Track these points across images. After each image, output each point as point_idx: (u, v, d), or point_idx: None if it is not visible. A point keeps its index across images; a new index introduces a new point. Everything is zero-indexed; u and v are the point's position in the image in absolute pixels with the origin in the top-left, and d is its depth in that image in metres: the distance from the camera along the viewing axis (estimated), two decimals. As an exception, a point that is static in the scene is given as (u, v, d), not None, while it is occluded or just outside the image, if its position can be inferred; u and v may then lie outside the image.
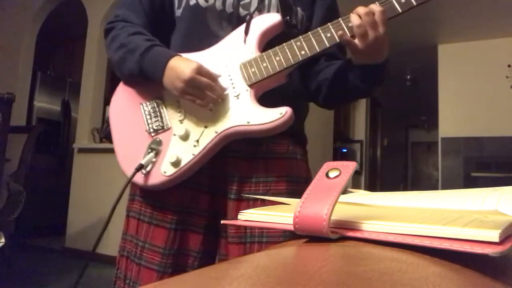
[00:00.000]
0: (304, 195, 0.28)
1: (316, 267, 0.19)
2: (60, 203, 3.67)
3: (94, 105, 3.62)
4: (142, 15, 0.85)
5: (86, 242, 3.34)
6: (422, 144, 8.63)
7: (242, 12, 0.80)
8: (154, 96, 0.79)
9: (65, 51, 5.09)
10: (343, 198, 0.37)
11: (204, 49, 0.79)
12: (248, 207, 0.73)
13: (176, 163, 0.74)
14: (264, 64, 0.73)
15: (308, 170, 0.86)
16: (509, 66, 4.22)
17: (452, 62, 4.58)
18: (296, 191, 0.78)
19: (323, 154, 4.10)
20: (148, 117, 0.78)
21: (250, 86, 0.74)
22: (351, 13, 0.72)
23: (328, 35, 0.73)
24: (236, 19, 0.80)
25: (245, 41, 0.77)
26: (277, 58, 0.73)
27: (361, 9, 0.71)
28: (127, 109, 0.82)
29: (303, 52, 0.73)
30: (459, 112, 4.51)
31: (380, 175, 6.86)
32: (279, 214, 0.32)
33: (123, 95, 0.84)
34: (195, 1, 0.81)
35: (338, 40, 0.72)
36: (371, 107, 6.05)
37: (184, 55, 0.78)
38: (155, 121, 0.78)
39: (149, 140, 0.77)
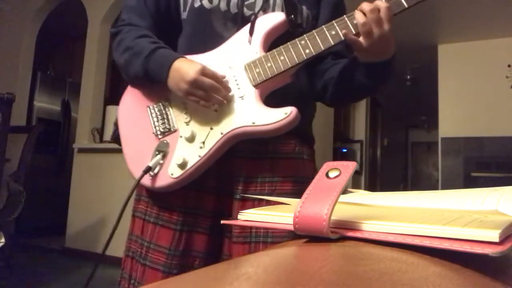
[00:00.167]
0: (304, 195, 0.28)
1: (316, 267, 0.19)
2: (60, 203, 3.67)
3: (94, 105, 3.62)
4: (148, 19, 0.86)
5: (86, 242, 3.34)
6: (422, 144, 8.63)
7: (247, 12, 0.80)
8: (160, 98, 0.80)
9: (65, 51, 5.09)
10: (343, 198, 0.37)
11: (210, 51, 0.80)
12: (253, 207, 0.73)
13: (182, 165, 0.74)
14: (269, 64, 0.73)
15: (314, 171, 0.86)
16: (509, 66, 4.22)
17: (452, 62, 4.58)
18: (302, 191, 0.77)
19: (323, 154, 4.10)
20: (155, 119, 0.79)
21: (255, 86, 0.74)
22: (355, 10, 0.71)
23: (333, 32, 0.71)
24: (240, 19, 0.80)
25: (249, 41, 0.76)
26: (282, 58, 0.73)
27: (366, 6, 0.69)
28: (134, 112, 0.83)
29: (307, 51, 0.72)
30: (459, 112, 4.51)
31: (380, 175, 6.86)
32: (279, 214, 0.32)
33: (131, 98, 0.85)
34: (199, 3, 0.81)
35: (342, 38, 0.71)
36: (371, 107, 6.05)
37: (189, 56, 0.78)
38: (161, 124, 0.78)
39: (156, 143, 0.78)
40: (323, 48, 0.72)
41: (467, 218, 0.25)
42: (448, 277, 0.19)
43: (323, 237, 0.26)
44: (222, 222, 0.35)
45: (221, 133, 0.73)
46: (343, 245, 0.25)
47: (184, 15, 0.85)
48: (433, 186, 7.24)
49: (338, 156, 5.02)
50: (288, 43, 0.73)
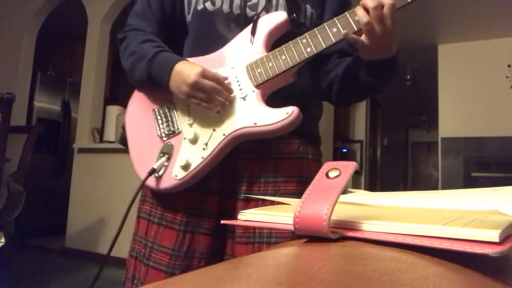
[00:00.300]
0: (304, 195, 0.28)
1: (316, 267, 0.19)
2: (60, 203, 3.67)
3: (94, 105, 3.62)
4: (154, 23, 0.87)
5: (86, 242, 3.34)
6: (422, 144, 8.63)
7: (250, 13, 0.80)
8: (165, 101, 0.81)
9: (65, 51, 5.09)
10: (343, 198, 0.37)
11: (213, 52, 0.80)
12: (256, 207, 0.73)
13: (186, 167, 0.74)
14: (270, 64, 0.73)
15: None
16: (509, 66, 4.23)
17: (452, 62, 4.58)
18: None
19: (323, 154, 4.10)
20: (159, 122, 0.81)
21: (257, 86, 0.74)
22: (358, 6, 0.69)
23: (334, 30, 0.70)
24: (243, 20, 0.80)
25: (251, 42, 0.76)
26: (283, 57, 0.72)
27: (369, 2, 0.67)
28: (140, 115, 0.84)
29: (309, 50, 0.71)
30: (459, 112, 4.51)
31: (380, 175, 6.86)
32: (279, 214, 0.32)
33: (137, 101, 0.86)
34: (202, 6, 0.82)
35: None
36: (371, 107, 6.05)
37: (192, 59, 0.79)
38: (166, 126, 0.80)
39: (161, 145, 0.79)
40: (324, 46, 0.70)
41: (467, 218, 0.25)
42: (448, 277, 0.19)
43: (323, 237, 0.26)
44: (222, 222, 0.35)
45: (224, 134, 0.73)
46: (343, 245, 0.25)
47: (188, 18, 0.86)
48: (433, 186, 7.24)
49: (338, 156, 5.02)
50: (290, 42, 0.72)
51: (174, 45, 0.84)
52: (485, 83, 4.38)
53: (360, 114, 5.83)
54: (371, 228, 0.26)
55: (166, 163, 0.77)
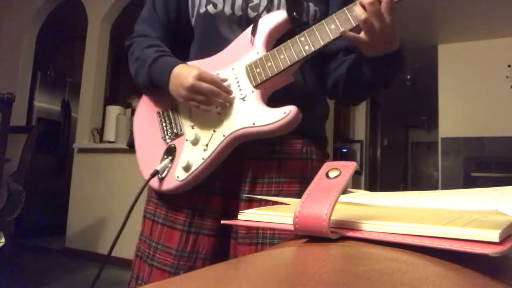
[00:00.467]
0: (304, 195, 0.28)
1: (316, 267, 0.19)
2: (60, 203, 3.67)
3: (94, 105, 3.62)
4: (159, 28, 0.89)
5: (86, 242, 3.34)
6: (422, 144, 8.63)
7: (251, 13, 0.80)
8: (169, 104, 0.82)
9: (65, 51, 5.10)
10: (343, 198, 0.37)
11: (216, 54, 0.80)
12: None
13: (187, 168, 0.75)
14: (269, 64, 0.72)
15: None
16: (509, 66, 4.23)
17: (452, 62, 4.58)
18: None
19: (323, 154, 4.10)
20: (163, 124, 0.82)
21: (256, 87, 0.73)
22: (356, 2, 0.67)
23: (333, 27, 0.68)
24: (245, 21, 0.80)
25: (251, 42, 0.76)
26: (281, 56, 0.71)
27: None
28: (146, 118, 0.86)
29: (307, 48, 0.69)
30: (459, 112, 4.51)
31: (380, 175, 6.86)
32: (279, 214, 0.32)
33: (144, 105, 0.88)
34: (204, 9, 0.83)
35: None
36: (371, 107, 6.05)
37: (195, 62, 0.81)
38: (169, 128, 0.81)
39: (165, 147, 0.80)
40: (322, 44, 0.69)
41: (467, 218, 0.25)
42: (448, 277, 0.19)
43: (323, 237, 0.26)
44: (222, 222, 0.35)
45: (223, 135, 0.74)
46: (343, 245, 0.25)
47: (192, 21, 0.87)
48: (433, 186, 7.24)
49: (338, 156, 5.02)
50: (289, 40, 0.71)
51: (182, 49, 0.86)
52: (485, 83, 4.38)
53: (360, 114, 5.83)
54: (371, 228, 0.26)
55: (169, 165, 0.78)
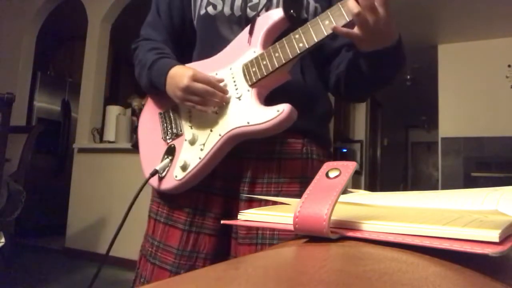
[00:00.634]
0: (304, 195, 0.28)
1: (316, 267, 0.19)
2: (60, 203, 3.67)
3: (94, 105, 3.62)
4: (163, 32, 0.90)
5: (86, 242, 3.34)
6: (422, 144, 8.63)
7: (250, 13, 0.80)
8: (170, 105, 0.83)
9: (65, 51, 5.10)
10: (343, 198, 0.37)
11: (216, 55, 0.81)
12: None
13: (184, 167, 0.76)
14: (264, 62, 0.72)
15: None
16: (509, 66, 4.23)
17: (452, 62, 4.58)
18: None
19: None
20: (164, 125, 0.84)
21: (251, 86, 0.73)
22: None
23: (327, 22, 0.66)
24: (245, 21, 0.80)
25: (249, 42, 0.76)
26: (276, 55, 0.70)
27: None
28: (149, 119, 0.88)
29: (301, 45, 0.68)
30: (459, 112, 4.51)
31: (380, 175, 6.86)
32: (279, 214, 0.32)
33: (148, 106, 0.90)
34: (204, 11, 0.83)
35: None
36: (371, 107, 6.05)
37: (195, 63, 0.82)
38: (170, 129, 0.82)
39: (165, 147, 0.81)
40: (316, 40, 0.67)
41: (467, 218, 0.25)
42: (448, 277, 0.19)
43: (323, 237, 0.26)
44: (222, 222, 0.35)
45: (219, 135, 0.74)
46: (343, 245, 0.25)
47: (194, 23, 0.88)
48: (433, 186, 7.24)
49: (338, 156, 5.02)
50: (284, 38, 0.70)
51: (189, 51, 0.88)
52: (485, 83, 4.38)
53: (360, 114, 5.83)
54: (371, 228, 0.26)
55: (169, 165, 0.79)
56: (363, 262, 0.20)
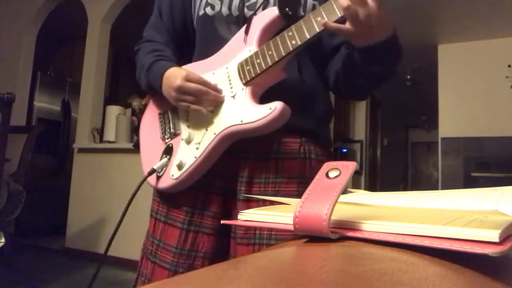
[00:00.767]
0: (304, 195, 0.28)
1: (316, 267, 0.19)
2: (60, 203, 3.67)
3: (94, 105, 3.62)
4: (165, 33, 0.92)
5: (86, 242, 3.34)
6: (422, 144, 8.63)
7: (248, 13, 0.80)
8: (169, 105, 0.83)
9: (65, 51, 5.10)
10: (343, 198, 0.37)
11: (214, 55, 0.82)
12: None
13: (180, 166, 0.76)
14: (258, 61, 0.72)
15: None
16: (509, 66, 4.22)
17: (452, 62, 4.58)
18: None
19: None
20: (163, 125, 0.85)
21: (245, 84, 0.73)
22: None
23: (319, 19, 0.65)
24: (242, 21, 0.80)
25: (245, 41, 0.76)
26: (270, 53, 0.70)
27: None
28: (149, 120, 0.90)
29: (293, 42, 0.67)
30: (459, 112, 4.51)
31: (380, 175, 6.86)
32: (279, 214, 0.32)
33: (150, 107, 0.92)
34: (203, 11, 0.84)
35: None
36: (371, 107, 6.05)
37: (192, 63, 0.83)
38: (168, 128, 0.83)
39: (164, 146, 0.82)
40: (308, 37, 0.66)
41: (467, 218, 0.25)
42: (448, 277, 0.19)
43: (323, 237, 0.26)
44: (222, 222, 0.35)
45: (214, 134, 0.74)
46: (343, 245, 0.25)
47: (194, 24, 0.89)
48: (433, 186, 7.24)
49: (338, 156, 5.02)
50: (277, 36, 0.70)
51: (188, 54, 0.89)
52: (485, 83, 4.38)
53: (360, 114, 5.83)
54: (371, 228, 0.26)
55: (167, 164, 0.79)
56: (363, 262, 0.20)
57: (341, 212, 0.30)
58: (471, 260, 0.22)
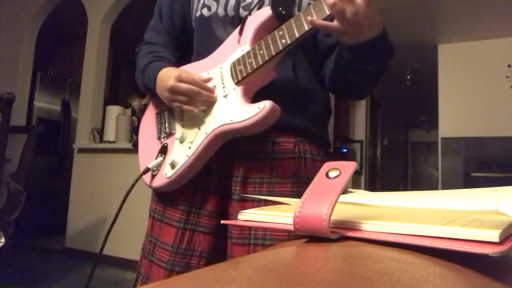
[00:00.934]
0: (304, 195, 0.28)
1: (316, 267, 0.19)
2: (60, 203, 3.67)
3: (94, 105, 3.62)
4: (164, 35, 0.93)
5: (86, 242, 3.34)
6: (422, 144, 8.63)
7: (243, 13, 0.80)
8: (165, 105, 0.84)
9: (65, 51, 5.09)
10: (343, 198, 0.37)
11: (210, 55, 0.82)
12: (252, 208, 0.72)
13: (173, 165, 0.77)
14: (249, 60, 0.72)
15: None
16: (509, 66, 4.22)
17: (452, 62, 4.58)
18: (303, 193, 0.75)
19: (323, 154, 4.09)
20: (159, 125, 0.86)
21: (237, 84, 0.74)
22: None
23: (309, 17, 0.64)
24: (238, 21, 0.80)
25: (238, 41, 0.77)
26: (261, 52, 0.70)
27: None
28: (147, 120, 0.91)
29: (283, 41, 0.67)
30: (459, 112, 4.51)
31: (380, 175, 6.86)
32: (279, 214, 0.32)
33: (149, 107, 0.93)
34: (199, 13, 0.85)
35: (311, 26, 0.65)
36: (371, 107, 6.05)
37: (188, 64, 0.84)
38: (163, 128, 0.85)
39: (159, 146, 0.83)
40: (298, 36, 0.65)
41: (467, 218, 0.25)
42: (448, 277, 0.19)
43: (323, 237, 0.26)
44: (222, 222, 0.35)
45: (206, 133, 0.75)
46: (343, 245, 0.25)
47: (193, 25, 0.90)
48: (433, 186, 7.24)
49: (338, 156, 5.02)
50: (269, 35, 0.70)
51: (190, 53, 0.90)
52: (485, 83, 4.38)
53: (360, 114, 5.83)
54: (371, 228, 0.26)
55: (162, 163, 0.81)
56: (363, 262, 0.20)
57: (341, 212, 0.30)
58: (471, 260, 0.22)
